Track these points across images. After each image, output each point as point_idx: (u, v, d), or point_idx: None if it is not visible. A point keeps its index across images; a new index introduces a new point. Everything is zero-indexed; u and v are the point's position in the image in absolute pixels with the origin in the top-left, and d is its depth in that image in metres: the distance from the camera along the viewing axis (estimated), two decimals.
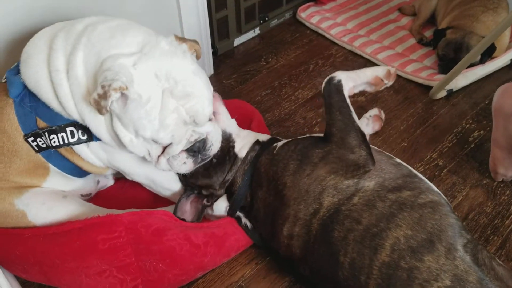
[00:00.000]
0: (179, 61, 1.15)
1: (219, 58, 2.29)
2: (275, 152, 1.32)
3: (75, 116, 1.18)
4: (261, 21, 2.44)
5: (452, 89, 1.99)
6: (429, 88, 2.01)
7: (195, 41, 1.24)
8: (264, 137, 1.44)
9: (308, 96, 2.04)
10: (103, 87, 1.06)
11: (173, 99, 1.12)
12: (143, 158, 1.26)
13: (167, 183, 1.40)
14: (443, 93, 1.98)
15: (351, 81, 1.33)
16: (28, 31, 1.43)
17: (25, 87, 1.20)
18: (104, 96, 1.05)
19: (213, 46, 2.23)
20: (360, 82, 1.36)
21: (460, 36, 2.00)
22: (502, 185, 1.62)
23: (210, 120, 1.23)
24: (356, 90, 1.38)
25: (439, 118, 1.91)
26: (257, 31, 2.45)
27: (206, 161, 1.29)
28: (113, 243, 1.18)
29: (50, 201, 1.28)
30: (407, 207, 1.12)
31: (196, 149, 1.23)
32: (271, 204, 1.27)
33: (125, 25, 1.19)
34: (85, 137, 1.22)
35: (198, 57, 1.25)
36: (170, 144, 1.18)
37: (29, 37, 1.24)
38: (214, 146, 1.28)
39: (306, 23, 2.48)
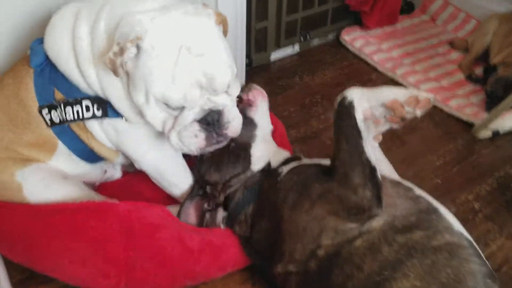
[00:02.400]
0: (202, 21, 1.07)
1: (252, 69, 2.21)
2: (278, 179, 1.18)
3: (95, 86, 1.13)
4: (302, 39, 2.36)
5: (498, 131, 1.82)
6: (473, 126, 1.85)
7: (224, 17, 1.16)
8: (282, 155, 1.31)
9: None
10: (118, 43, 1.01)
11: (190, 55, 1.02)
12: (158, 136, 1.19)
13: (175, 178, 1.31)
14: (487, 133, 1.82)
15: (366, 101, 1.07)
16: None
17: (47, 57, 1.17)
18: (120, 52, 1.01)
19: (248, 57, 2.16)
20: (376, 103, 1.07)
21: None
22: None
23: (228, 94, 1.12)
24: (377, 113, 1.09)
25: (480, 158, 1.74)
26: (296, 48, 2.37)
27: (221, 144, 1.15)
28: (104, 231, 1.11)
29: (50, 178, 1.22)
30: (418, 251, 0.94)
31: (210, 120, 1.09)
32: (269, 233, 1.14)
33: None
34: (100, 113, 1.16)
35: (225, 32, 1.16)
36: (182, 110, 1.08)
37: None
38: (233, 125, 1.13)
39: (349, 46, 2.38)
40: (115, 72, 1.03)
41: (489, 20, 2.22)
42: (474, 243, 1.00)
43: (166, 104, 1.06)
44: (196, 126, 1.10)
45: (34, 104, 1.18)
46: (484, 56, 2.20)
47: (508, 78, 1.85)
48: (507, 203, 1.56)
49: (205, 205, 1.25)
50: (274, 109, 1.95)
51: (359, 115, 1.07)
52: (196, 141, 1.11)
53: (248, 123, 1.28)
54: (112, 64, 1.02)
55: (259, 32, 2.17)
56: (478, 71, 2.17)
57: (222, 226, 1.23)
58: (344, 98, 1.09)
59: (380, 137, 1.19)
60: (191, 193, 1.28)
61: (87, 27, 1.11)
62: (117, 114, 1.17)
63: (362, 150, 1.04)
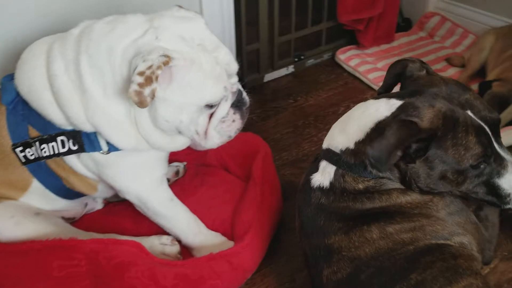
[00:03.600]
0: (195, 22, 1.12)
1: (246, 91, 2.19)
2: None
3: (79, 122, 1.11)
4: (296, 59, 2.34)
5: None
6: None
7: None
8: None
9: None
10: (141, 73, 0.98)
11: (208, 52, 1.09)
12: (141, 165, 1.21)
13: (159, 207, 1.27)
14: None
15: None
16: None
17: (18, 94, 1.15)
18: (149, 80, 0.98)
19: (241, 79, 2.14)
20: None
21: (508, 89, 1.80)
22: None
23: None
24: None
25: None
26: (291, 68, 2.34)
27: (247, 114, 1.25)
28: (70, 271, 1.08)
29: (20, 215, 1.20)
30: None
31: (239, 99, 1.20)
32: None
33: (119, 16, 1.13)
34: (75, 147, 1.14)
35: None
36: (218, 105, 1.15)
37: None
38: (247, 96, 1.24)
39: (344, 65, 2.35)
40: (142, 103, 0.99)
41: (485, 35, 2.17)
42: None
43: (209, 106, 1.12)
44: (232, 111, 1.18)
45: (7, 142, 1.16)
46: (481, 72, 2.15)
47: (503, 94, 1.80)
48: (500, 224, 1.50)
49: None
50: (266, 132, 1.94)
51: None
52: (235, 125, 1.20)
53: None
54: (139, 95, 0.98)
55: (250, 54, 2.16)
56: (474, 86, 2.12)
57: None
58: None
59: None
60: None
61: (62, 63, 1.10)
62: (95, 148, 1.15)
63: None
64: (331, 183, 1.03)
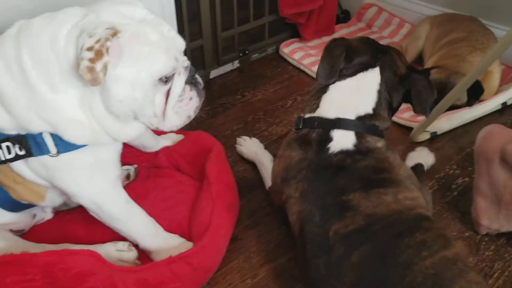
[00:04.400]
0: (133, 4, 1.10)
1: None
2: None
3: (28, 122, 1.05)
4: (241, 54, 2.34)
5: (436, 132, 1.85)
6: (411, 130, 1.88)
7: None
8: None
9: (282, 133, 1.90)
10: (90, 48, 0.95)
11: (153, 27, 1.06)
12: (93, 166, 1.16)
13: (114, 210, 1.23)
14: (426, 136, 1.84)
15: None
16: None
17: None
18: (99, 54, 0.95)
19: None
20: None
21: (445, 76, 1.88)
22: (486, 239, 1.44)
23: None
24: None
25: None
26: (236, 64, 2.34)
27: (203, 93, 1.23)
28: (25, 287, 1.02)
29: None
30: None
31: (193, 75, 1.17)
32: None
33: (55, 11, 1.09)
34: (22, 152, 1.09)
35: None
36: (172, 79, 1.11)
37: None
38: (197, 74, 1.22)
39: (288, 59, 2.38)
40: (96, 80, 0.96)
41: (421, 24, 2.27)
42: None
43: (162, 80, 1.09)
44: (188, 88, 1.16)
45: None
46: (420, 60, 2.25)
47: (442, 81, 1.88)
48: (448, 204, 1.58)
49: None
50: (216, 129, 1.93)
51: None
52: (192, 103, 1.18)
53: None
54: (91, 71, 0.95)
55: (195, 50, 2.14)
56: None
57: None
58: None
59: None
60: None
61: (2, 63, 1.04)
62: (42, 151, 1.10)
63: None
64: (355, 145, 1.19)
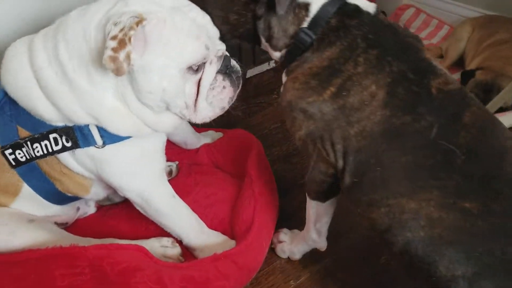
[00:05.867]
0: None
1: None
2: None
3: (72, 113, 1.06)
4: None
5: None
6: None
7: None
8: None
9: None
10: (114, 37, 0.92)
11: (184, 13, 1.03)
12: (140, 158, 1.15)
13: (162, 205, 1.22)
14: None
15: None
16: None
17: (6, 94, 1.10)
18: (122, 43, 0.92)
19: None
20: None
21: (491, 77, 1.84)
22: None
23: None
24: None
25: None
26: (272, 63, 2.32)
27: (240, 85, 1.18)
28: (74, 280, 1.03)
29: (14, 223, 1.14)
30: None
31: (227, 64, 1.13)
32: None
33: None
34: (69, 144, 1.09)
35: None
36: (204, 68, 1.08)
37: None
38: (234, 62, 1.18)
39: None
40: (119, 70, 0.93)
41: (462, 25, 2.22)
42: None
43: (191, 69, 1.05)
44: (220, 77, 1.11)
45: None
46: (460, 62, 2.20)
47: (488, 82, 1.84)
48: None
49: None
50: (253, 128, 1.91)
51: None
52: (226, 92, 1.13)
53: None
54: (114, 61, 0.92)
55: (232, 50, 2.12)
56: (455, 76, 2.16)
57: None
58: None
59: None
60: None
61: (45, 55, 1.05)
62: (89, 142, 1.10)
63: None
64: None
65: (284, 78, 1.11)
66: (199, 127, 1.60)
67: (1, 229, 1.11)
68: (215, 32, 1.10)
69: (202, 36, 1.05)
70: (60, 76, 1.04)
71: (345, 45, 1.00)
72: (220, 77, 1.11)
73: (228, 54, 1.15)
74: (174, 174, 1.53)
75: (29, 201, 1.19)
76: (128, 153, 1.15)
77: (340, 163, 1.01)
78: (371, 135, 0.95)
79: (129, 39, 0.93)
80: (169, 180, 1.49)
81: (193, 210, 1.30)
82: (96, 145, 1.10)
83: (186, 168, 1.56)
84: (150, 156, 1.19)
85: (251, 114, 2.01)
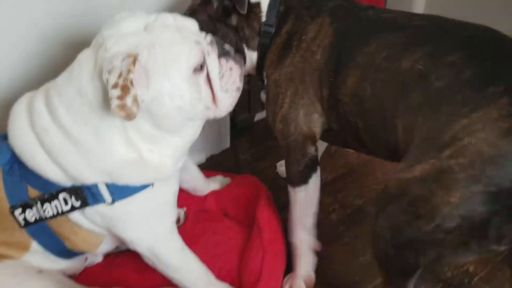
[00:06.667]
0: (133, 16, 1.08)
1: (236, 131, 2.19)
2: None
3: (80, 173, 1.06)
4: None
5: None
6: None
7: None
8: None
9: (328, 179, 1.89)
10: (115, 85, 0.93)
11: (159, 27, 1.04)
12: (151, 214, 1.16)
13: (171, 260, 1.22)
14: None
15: None
16: None
17: (14, 153, 1.11)
18: (126, 89, 0.93)
19: (232, 119, 2.14)
20: None
21: None
22: None
23: None
24: None
25: None
26: None
27: (240, 59, 1.17)
28: None
29: (23, 274, 1.14)
30: None
31: (221, 45, 1.14)
32: None
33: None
34: (78, 203, 1.10)
35: None
36: (205, 64, 1.08)
37: None
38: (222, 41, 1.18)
39: None
40: (130, 115, 0.94)
41: None
42: None
43: (196, 70, 1.06)
44: (223, 61, 1.12)
45: (5, 204, 1.11)
46: None
47: None
48: (502, 263, 1.52)
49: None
50: (261, 173, 1.92)
51: None
52: (234, 72, 1.13)
53: None
54: (123, 109, 0.93)
55: (241, 94, 2.16)
56: None
57: None
58: None
59: None
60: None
61: (48, 116, 1.06)
62: (98, 200, 1.10)
63: None
64: None
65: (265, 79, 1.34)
66: (206, 171, 1.63)
67: (10, 280, 1.12)
68: (193, 25, 1.12)
69: (188, 36, 1.06)
70: (65, 138, 1.05)
71: (294, 18, 1.28)
72: (223, 61, 1.12)
73: (214, 37, 1.15)
74: (181, 221, 1.54)
75: (39, 255, 1.20)
76: (138, 208, 1.16)
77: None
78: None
79: (131, 82, 0.93)
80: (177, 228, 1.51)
81: (201, 258, 1.30)
82: (105, 203, 1.11)
83: (193, 215, 1.57)
84: (161, 209, 1.19)
85: (259, 158, 2.03)
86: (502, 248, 0.90)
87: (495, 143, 0.84)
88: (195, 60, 1.04)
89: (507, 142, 0.83)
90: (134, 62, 0.95)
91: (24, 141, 1.08)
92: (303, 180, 1.33)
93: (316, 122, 1.28)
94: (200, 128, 1.18)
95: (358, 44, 1.16)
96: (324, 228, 1.64)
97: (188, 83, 1.05)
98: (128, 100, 0.93)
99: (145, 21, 1.05)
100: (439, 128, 0.94)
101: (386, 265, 1.07)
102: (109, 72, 0.94)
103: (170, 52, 1.01)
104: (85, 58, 1.06)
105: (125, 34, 1.02)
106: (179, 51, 1.02)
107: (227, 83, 1.12)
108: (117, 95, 0.93)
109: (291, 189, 1.37)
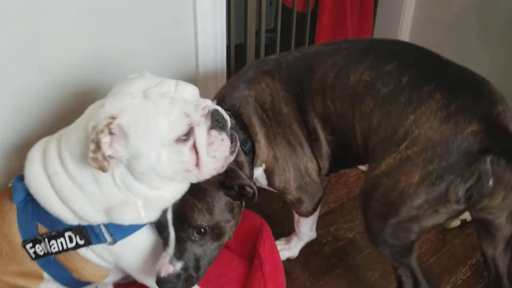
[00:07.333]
0: (140, 77, 1.17)
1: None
2: None
3: (85, 215, 1.16)
4: None
5: (466, 219, 1.95)
6: None
7: None
8: None
9: (320, 213, 2.00)
10: (92, 140, 1.03)
11: (155, 94, 1.08)
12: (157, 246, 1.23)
13: None
14: (457, 222, 1.94)
15: None
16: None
17: (29, 193, 1.22)
18: (97, 146, 1.02)
19: None
20: None
21: None
22: None
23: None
24: None
25: (452, 248, 1.85)
26: None
27: (234, 136, 1.19)
28: None
29: None
30: None
31: (217, 118, 1.14)
32: None
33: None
34: (82, 241, 1.21)
35: None
36: (193, 133, 1.10)
37: None
38: (224, 112, 1.19)
39: None
40: (103, 168, 1.03)
41: None
42: None
43: (179, 139, 1.08)
44: (215, 132, 1.13)
45: (18, 239, 1.22)
46: None
47: None
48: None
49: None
50: (256, 208, 2.01)
51: None
52: (225, 144, 1.14)
53: None
54: (96, 161, 1.03)
55: None
56: None
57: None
58: None
59: None
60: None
61: (58, 160, 1.16)
62: (100, 240, 1.21)
63: None
64: None
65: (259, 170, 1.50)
66: None
67: None
68: (192, 93, 1.14)
69: (179, 107, 1.08)
70: (71, 182, 1.15)
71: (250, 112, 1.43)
72: (214, 132, 1.13)
73: (216, 107, 1.17)
74: None
75: (53, 284, 1.30)
76: (140, 245, 1.27)
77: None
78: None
79: (101, 142, 1.02)
80: None
81: None
82: (107, 243, 1.22)
83: None
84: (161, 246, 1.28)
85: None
86: (462, 206, 1.12)
87: (438, 129, 1.10)
88: (178, 131, 1.08)
89: (447, 128, 1.09)
90: (109, 124, 1.03)
91: (38, 183, 1.19)
92: (316, 209, 1.63)
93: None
94: (182, 191, 1.21)
95: (307, 75, 1.38)
96: (319, 260, 1.76)
97: (168, 149, 1.09)
98: (99, 156, 1.03)
99: (147, 84, 1.11)
100: (393, 127, 1.18)
101: (389, 252, 1.30)
102: (93, 128, 1.05)
103: (154, 121, 1.06)
104: (91, 109, 1.18)
105: (123, 93, 1.11)
106: (163, 122, 1.06)
107: (216, 151, 1.14)
108: (92, 149, 1.03)
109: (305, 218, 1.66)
